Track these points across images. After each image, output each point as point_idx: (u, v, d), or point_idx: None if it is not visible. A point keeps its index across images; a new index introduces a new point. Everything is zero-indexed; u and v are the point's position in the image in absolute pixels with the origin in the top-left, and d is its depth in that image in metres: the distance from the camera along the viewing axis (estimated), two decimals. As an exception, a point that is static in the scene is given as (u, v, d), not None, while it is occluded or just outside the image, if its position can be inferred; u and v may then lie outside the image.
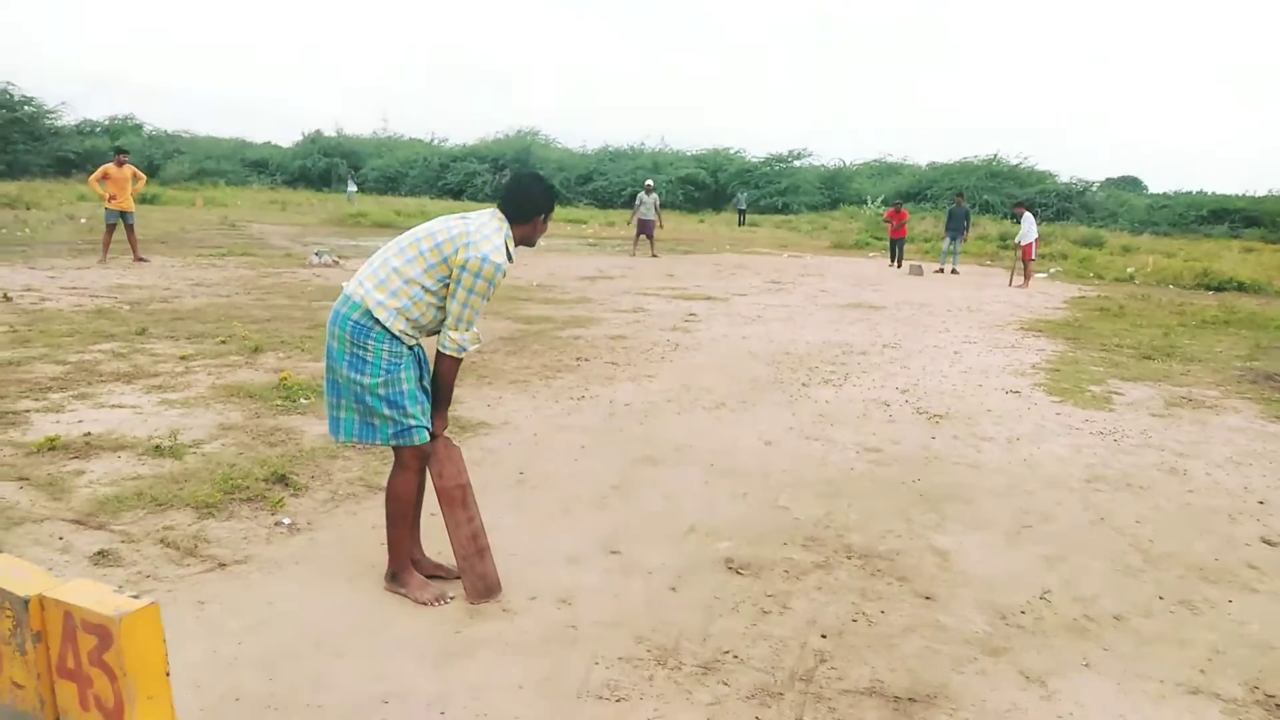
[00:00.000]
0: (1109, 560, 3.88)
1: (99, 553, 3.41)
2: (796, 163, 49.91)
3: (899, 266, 19.47)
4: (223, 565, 3.43)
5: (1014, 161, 44.72)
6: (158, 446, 4.67)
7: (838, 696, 2.74)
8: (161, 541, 3.57)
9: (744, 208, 38.39)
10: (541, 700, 2.63)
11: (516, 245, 3.22)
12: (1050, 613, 3.37)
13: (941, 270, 19.09)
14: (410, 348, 3.14)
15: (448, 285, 3.08)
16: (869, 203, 40.79)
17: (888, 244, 21.11)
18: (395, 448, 3.18)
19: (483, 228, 3.10)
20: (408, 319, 3.07)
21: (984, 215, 36.38)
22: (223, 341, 7.59)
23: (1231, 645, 3.17)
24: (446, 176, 49.47)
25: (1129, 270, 19.42)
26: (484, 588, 3.20)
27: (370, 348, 3.05)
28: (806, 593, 3.45)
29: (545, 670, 2.79)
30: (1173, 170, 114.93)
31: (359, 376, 3.07)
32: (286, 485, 4.24)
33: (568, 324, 9.66)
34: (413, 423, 3.13)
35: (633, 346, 8.47)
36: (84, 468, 4.35)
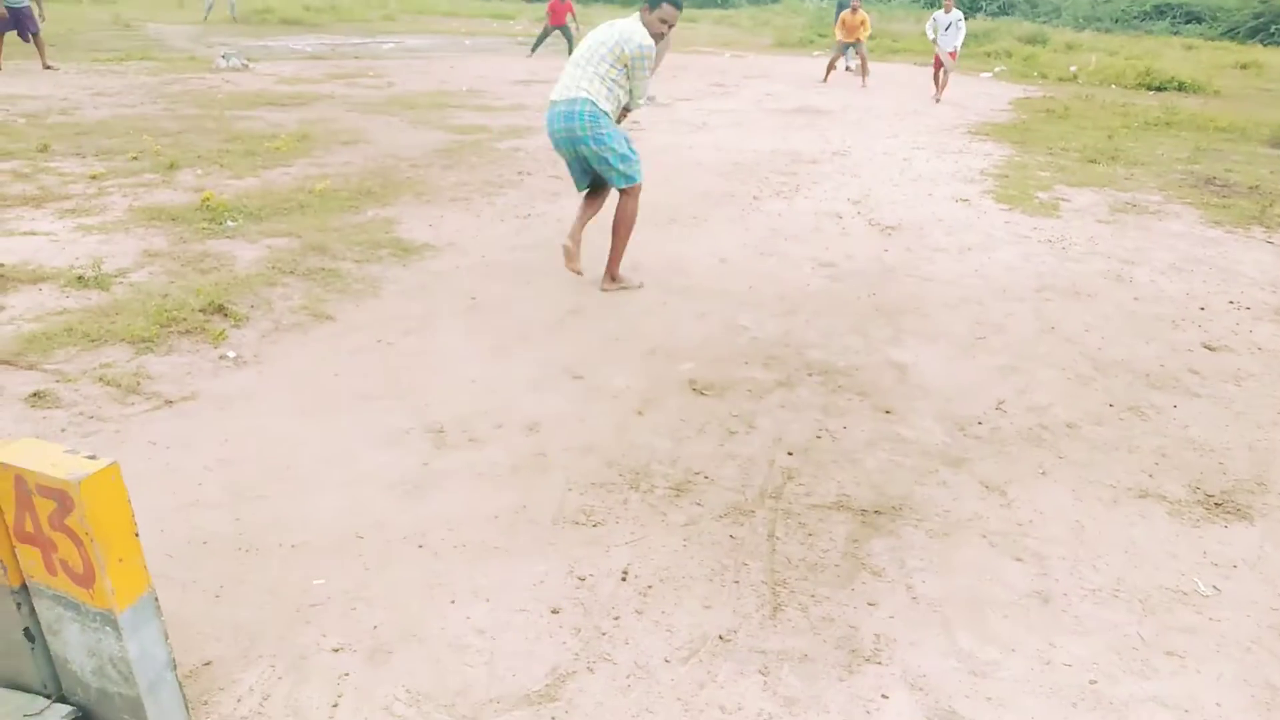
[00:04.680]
0: (1060, 369, 3.97)
1: (34, 394, 3.23)
2: (736, -48, 46.95)
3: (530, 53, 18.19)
4: (170, 402, 3.29)
5: (961, -49, 42.85)
6: (81, 277, 4.37)
7: (807, 511, 2.80)
8: (100, 379, 3.39)
9: None
10: (519, 529, 2.63)
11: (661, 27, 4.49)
12: (1006, 423, 3.46)
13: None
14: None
15: (625, 73, 4.46)
16: (811, -4, 38.92)
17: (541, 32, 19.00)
18: (624, 188, 4.63)
19: (630, 25, 4.45)
20: (612, 103, 4.51)
21: (930, 7, 35.12)
22: (134, 158, 7.03)
23: (1175, 449, 3.31)
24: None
25: (1072, 69, 19.11)
26: None
27: (605, 124, 4.46)
28: (770, 411, 3.47)
29: (519, 499, 2.78)
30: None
31: (603, 147, 4.45)
32: (225, 316, 4.04)
33: (504, 134, 9.19)
34: (636, 169, 4.60)
35: (576, 157, 8.10)
36: (3, 303, 4.06)
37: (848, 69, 17.15)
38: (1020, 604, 2.40)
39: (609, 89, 4.45)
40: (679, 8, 4.49)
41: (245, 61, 13.80)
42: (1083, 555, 2.63)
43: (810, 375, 3.82)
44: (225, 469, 2.87)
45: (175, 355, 3.66)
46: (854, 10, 15.52)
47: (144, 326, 3.82)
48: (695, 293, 4.75)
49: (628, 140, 4.61)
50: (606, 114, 4.47)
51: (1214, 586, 2.52)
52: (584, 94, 4.41)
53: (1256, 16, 35.85)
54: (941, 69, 14.09)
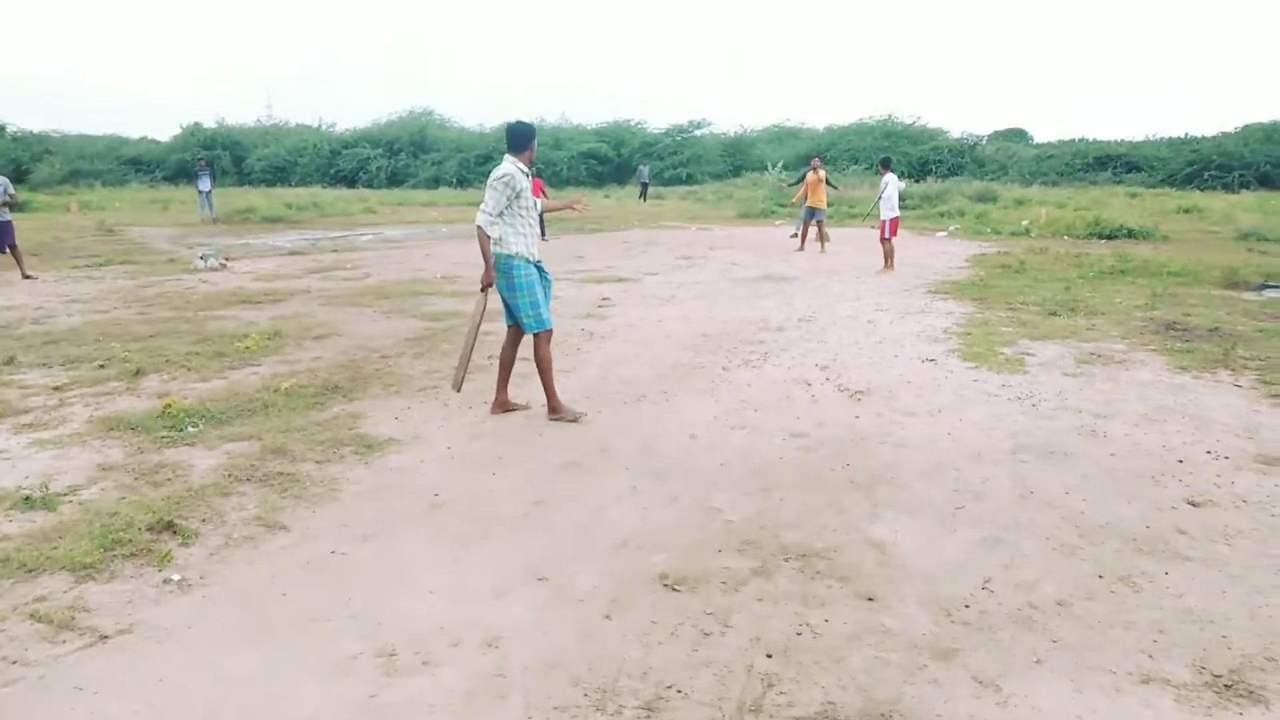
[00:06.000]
0: (1044, 538, 3.83)
1: (-44, 639, 3.01)
2: (698, 132, 49.93)
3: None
4: (104, 637, 3.07)
5: (908, 121, 45.68)
6: (28, 498, 4.22)
7: (790, 726, 2.58)
8: (32, 616, 3.18)
9: (646, 181, 37.93)
10: (473, 770, 2.39)
11: (526, 165, 5.39)
12: (994, 604, 3.29)
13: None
14: (534, 264, 5.44)
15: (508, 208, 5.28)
16: (770, 169, 41.08)
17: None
18: (534, 333, 5.46)
19: (500, 166, 5.30)
20: (517, 236, 5.34)
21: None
22: (101, 366, 7.01)
23: (1173, 623, 3.14)
24: (338, 163, 47.71)
25: (1024, 223, 19.96)
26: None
27: (516, 275, 5.36)
28: (747, 605, 3.29)
29: (475, 732, 2.55)
30: (1056, 119, 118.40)
31: (512, 294, 5.39)
32: (174, 533, 3.86)
33: (476, 318, 9.29)
34: (538, 317, 5.41)
35: (546, 339, 8.17)
36: (-61, 533, 3.88)
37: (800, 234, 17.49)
38: (1028, 826, 2.17)
39: (509, 224, 5.29)
40: (524, 141, 5.39)
41: (223, 261, 14.14)
42: (1090, 759, 2.41)
43: (787, 560, 3.66)
44: (156, 716, 2.63)
45: (117, 582, 3.46)
46: (815, 169, 16.08)
47: (86, 551, 3.64)
48: (666, 474, 4.64)
49: (534, 291, 5.39)
50: (517, 261, 5.33)
51: (1237, 788, 2.30)
52: (498, 248, 5.31)
53: (1190, 164, 38.05)
54: (882, 239, 13.35)
